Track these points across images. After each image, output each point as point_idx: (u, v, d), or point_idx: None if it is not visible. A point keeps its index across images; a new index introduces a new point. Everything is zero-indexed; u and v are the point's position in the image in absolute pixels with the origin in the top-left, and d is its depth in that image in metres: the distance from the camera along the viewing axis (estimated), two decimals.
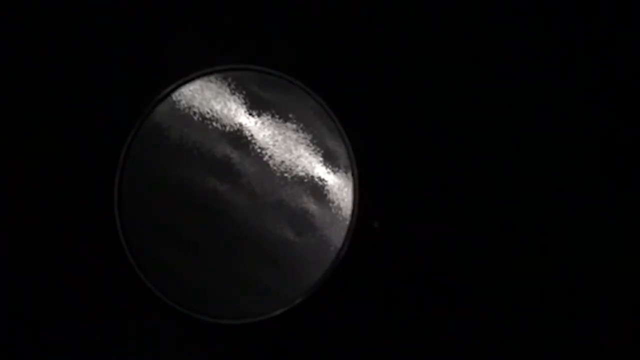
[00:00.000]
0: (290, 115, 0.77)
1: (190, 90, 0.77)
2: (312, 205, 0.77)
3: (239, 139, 0.76)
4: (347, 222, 0.77)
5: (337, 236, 0.77)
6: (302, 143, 0.77)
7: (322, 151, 0.77)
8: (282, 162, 0.77)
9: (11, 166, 0.80)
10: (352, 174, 0.77)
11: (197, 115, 0.76)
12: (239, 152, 0.76)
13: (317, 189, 0.77)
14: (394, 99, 0.83)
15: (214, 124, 0.76)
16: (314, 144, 0.77)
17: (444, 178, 0.83)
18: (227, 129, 0.76)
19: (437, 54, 0.84)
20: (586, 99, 0.84)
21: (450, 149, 0.83)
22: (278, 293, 0.76)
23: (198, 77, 0.77)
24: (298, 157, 0.77)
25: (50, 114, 0.80)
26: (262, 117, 0.77)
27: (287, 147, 0.77)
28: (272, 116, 0.77)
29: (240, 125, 0.77)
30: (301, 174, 0.77)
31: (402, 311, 0.82)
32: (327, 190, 0.77)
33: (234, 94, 0.77)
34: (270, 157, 0.77)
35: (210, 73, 0.77)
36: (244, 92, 0.77)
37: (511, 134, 0.83)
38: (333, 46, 0.82)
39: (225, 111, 0.77)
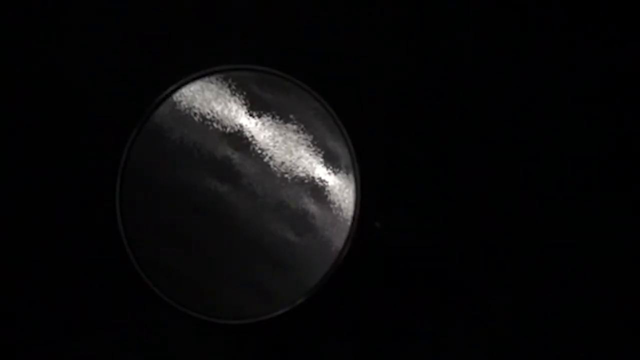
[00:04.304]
0: (291, 116, 0.77)
1: (190, 91, 0.77)
2: (313, 206, 0.77)
3: (239, 140, 0.76)
4: (348, 223, 0.77)
5: (338, 237, 0.77)
6: (302, 144, 0.77)
7: (322, 152, 0.77)
8: (283, 163, 0.77)
9: (13, 168, 0.80)
10: (353, 175, 0.77)
11: (198, 116, 0.76)
12: (239, 153, 0.76)
13: (318, 189, 0.77)
14: (395, 99, 0.83)
15: (215, 125, 0.76)
16: (314, 144, 0.77)
17: (444, 179, 0.83)
18: (228, 130, 0.76)
19: (438, 55, 0.84)
20: (586, 99, 0.84)
21: (451, 149, 0.83)
22: (279, 294, 0.76)
23: (198, 77, 0.77)
24: (299, 158, 0.77)
25: (51, 116, 0.80)
26: (262, 118, 0.77)
27: (287, 148, 0.77)
28: (273, 117, 0.77)
29: (241, 126, 0.76)
30: (302, 174, 0.77)
31: (403, 311, 0.82)
32: (328, 191, 0.77)
33: (234, 94, 0.77)
34: (270, 158, 0.77)
35: (211, 74, 0.77)
36: (245, 93, 0.77)
37: (512, 135, 0.83)
38: (333, 46, 0.82)
39: (225, 112, 0.77)
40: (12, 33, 0.81)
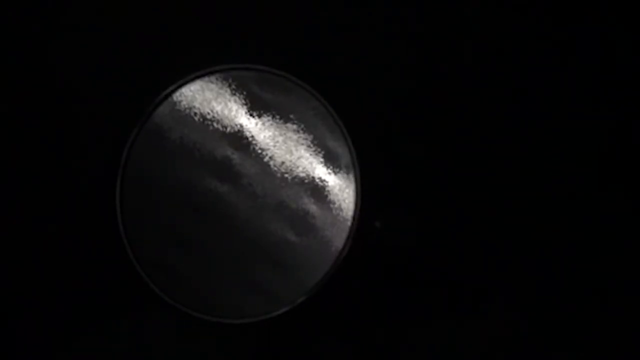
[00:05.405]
0: (291, 116, 0.77)
1: (190, 91, 0.77)
2: (313, 206, 0.77)
3: (239, 140, 0.76)
4: (348, 223, 0.77)
5: (338, 237, 0.77)
6: (302, 144, 0.77)
7: (323, 152, 0.77)
8: (283, 163, 0.77)
9: (13, 168, 0.80)
10: (353, 175, 0.77)
11: (198, 116, 0.76)
12: (239, 153, 0.76)
13: (318, 189, 0.77)
14: (395, 99, 0.83)
15: (215, 124, 0.76)
16: (314, 144, 0.77)
17: (444, 178, 0.83)
18: (228, 130, 0.76)
19: (438, 54, 0.84)
20: (586, 99, 0.84)
21: (451, 149, 0.83)
22: (279, 293, 0.76)
23: (198, 77, 0.77)
24: (299, 157, 0.77)
25: (51, 116, 0.80)
26: (262, 118, 0.77)
27: (287, 148, 0.77)
28: (273, 117, 0.77)
29: (241, 126, 0.77)
30: (302, 174, 0.77)
31: (403, 311, 0.82)
32: (328, 191, 0.77)
33: (234, 94, 0.77)
34: (271, 158, 0.77)
35: (211, 73, 0.77)
36: (245, 93, 0.77)
37: (512, 134, 0.83)
38: (333, 46, 0.82)
39: (226, 112, 0.77)
40: (12, 33, 0.81)
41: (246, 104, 0.77)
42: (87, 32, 0.81)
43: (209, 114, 0.76)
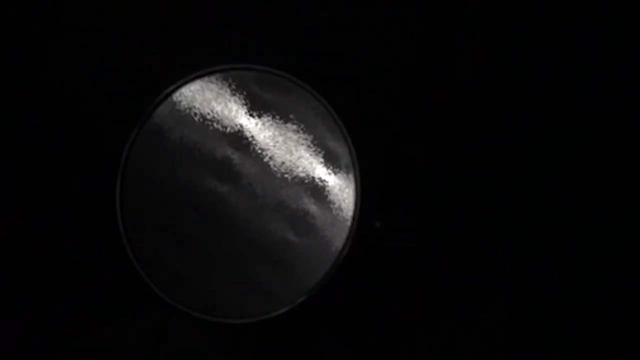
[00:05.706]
0: (291, 116, 0.77)
1: (190, 91, 0.77)
2: (313, 206, 0.77)
3: (239, 140, 0.76)
4: (348, 223, 0.77)
5: (338, 237, 0.77)
6: (302, 144, 0.77)
7: (323, 152, 0.77)
8: (283, 163, 0.77)
9: (13, 168, 0.80)
10: (353, 175, 0.77)
11: (198, 116, 0.76)
12: (239, 153, 0.76)
13: (318, 189, 0.77)
14: (395, 99, 0.83)
15: (215, 125, 0.76)
16: (314, 144, 0.77)
17: (444, 178, 0.83)
18: (228, 130, 0.76)
19: (438, 55, 0.84)
20: (586, 98, 0.84)
21: (450, 149, 0.83)
22: (279, 293, 0.76)
23: (198, 77, 0.77)
24: (299, 158, 0.77)
25: (51, 116, 0.80)
26: (262, 118, 0.77)
27: (287, 148, 0.77)
28: (273, 117, 0.77)
29: (241, 126, 0.77)
30: (302, 174, 0.77)
31: (403, 311, 0.82)
32: (328, 191, 0.77)
33: (234, 94, 0.77)
34: (271, 158, 0.77)
35: (211, 73, 0.77)
36: (245, 93, 0.77)
37: (512, 134, 0.83)
38: (334, 46, 0.82)
39: (226, 112, 0.77)
40: (12, 33, 0.81)
41: (246, 104, 0.77)
42: (87, 32, 0.81)
43: (209, 114, 0.76)
